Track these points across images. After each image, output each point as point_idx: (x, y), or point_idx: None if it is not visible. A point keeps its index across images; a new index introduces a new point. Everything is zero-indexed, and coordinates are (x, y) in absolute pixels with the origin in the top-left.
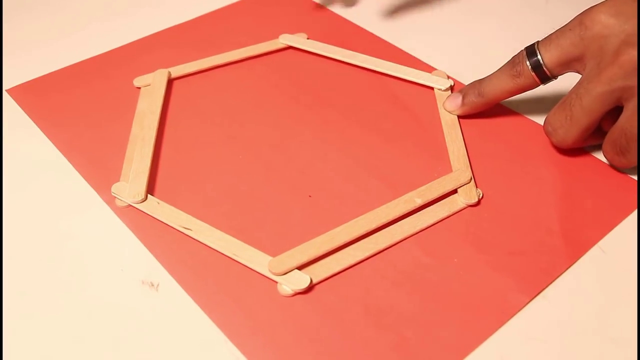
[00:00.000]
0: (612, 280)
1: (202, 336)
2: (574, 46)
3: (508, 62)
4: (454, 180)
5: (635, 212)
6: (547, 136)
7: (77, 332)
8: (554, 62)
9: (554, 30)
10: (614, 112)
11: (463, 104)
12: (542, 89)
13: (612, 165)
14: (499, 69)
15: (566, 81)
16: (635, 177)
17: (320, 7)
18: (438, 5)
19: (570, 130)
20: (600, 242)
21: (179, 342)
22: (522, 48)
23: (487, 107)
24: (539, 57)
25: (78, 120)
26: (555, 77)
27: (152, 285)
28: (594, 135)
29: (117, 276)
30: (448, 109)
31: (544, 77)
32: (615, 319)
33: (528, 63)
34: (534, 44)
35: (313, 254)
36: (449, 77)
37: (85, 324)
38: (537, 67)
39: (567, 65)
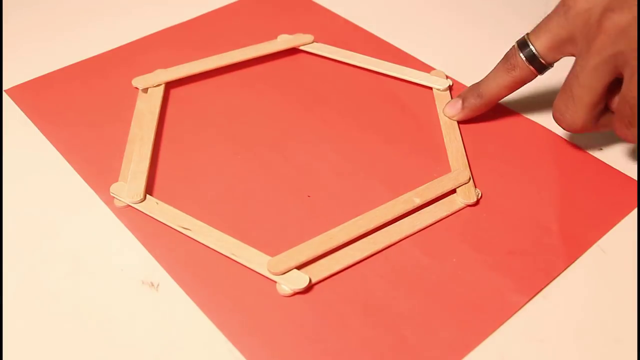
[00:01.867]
0: (612, 281)
1: (201, 336)
2: (562, 27)
3: (502, 59)
4: (453, 180)
5: (635, 212)
6: (558, 124)
7: (76, 332)
8: (545, 48)
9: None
10: (618, 88)
11: (463, 107)
12: (540, 86)
13: (626, 142)
14: (494, 68)
15: (563, 73)
16: (634, 176)
17: (319, 7)
18: (437, 4)
19: (576, 111)
20: (601, 242)
21: (178, 341)
22: None
23: (487, 107)
24: (530, 46)
25: (77, 121)
26: (550, 64)
27: (152, 285)
28: (606, 121)
29: (117, 276)
30: (449, 115)
31: (540, 65)
32: (616, 319)
33: (521, 54)
34: (524, 36)
35: (312, 254)
36: (447, 77)
37: (85, 324)
38: (530, 57)
39: (559, 50)
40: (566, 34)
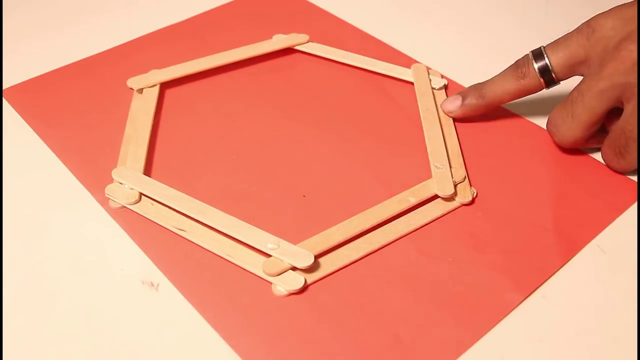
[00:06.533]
0: (611, 280)
1: (200, 336)
2: (581, 47)
3: (511, 65)
4: None
5: (635, 211)
6: (550, 135)
7: (76, 333)
8: (561, 64)
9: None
10: (617, 115)
11: (462, 105)
12: None
13: (611, 169)
14: (501, 72)
15: (565, 82)
16: (632, 177)
17: (314, 7)
18: (432, 4)
19: (571, 128)
20: (600, 242)
21: (177, 342)
22: (524, 49)
23: (487, 109)
24: (546, 58)
25: (72, 122)
26: (559, 81)
27: (152, 285)
28: (596, 138)
29: (117, 276)
30: (446, 110)
31: (550, 79)
32: (616, 318)
33: (535, 65)
34: (540, 47)
35: None
36: (442, 77)
37: (85, 324)
38: (543, 69)
39: (572, 68)
40: (584, 54)
